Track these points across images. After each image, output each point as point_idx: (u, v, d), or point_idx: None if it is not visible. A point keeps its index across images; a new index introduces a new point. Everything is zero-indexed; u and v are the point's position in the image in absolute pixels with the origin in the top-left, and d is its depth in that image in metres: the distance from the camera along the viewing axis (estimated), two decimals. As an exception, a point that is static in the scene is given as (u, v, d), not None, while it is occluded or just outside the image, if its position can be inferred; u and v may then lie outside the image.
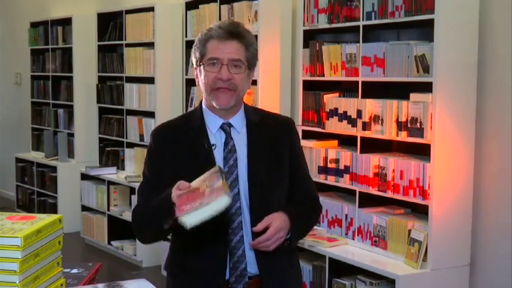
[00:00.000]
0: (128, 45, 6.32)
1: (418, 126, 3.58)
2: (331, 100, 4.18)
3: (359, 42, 3.97)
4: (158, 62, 5.95)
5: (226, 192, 1.90)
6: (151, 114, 6.06)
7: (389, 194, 3.79)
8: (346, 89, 4.16)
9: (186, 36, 5.69)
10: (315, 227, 3.97)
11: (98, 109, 6.82)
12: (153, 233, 2.21)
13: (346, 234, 4.11)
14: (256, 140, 2.21)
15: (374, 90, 3.93)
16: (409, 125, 3.64)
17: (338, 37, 4.43)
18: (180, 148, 2.18)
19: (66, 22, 7.34)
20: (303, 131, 4.37)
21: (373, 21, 3.88)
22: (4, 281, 1.63)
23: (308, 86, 4.40)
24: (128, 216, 6.01)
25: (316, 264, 4.09)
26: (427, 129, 3.54)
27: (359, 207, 4.01)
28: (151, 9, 6.00)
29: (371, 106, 3.87)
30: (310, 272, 4.13)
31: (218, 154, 2.17)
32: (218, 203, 1.90)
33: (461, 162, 3.65)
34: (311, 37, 4.42)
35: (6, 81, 9.18)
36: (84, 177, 6.75)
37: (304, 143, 4.20)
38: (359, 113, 3.93)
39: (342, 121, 4.08)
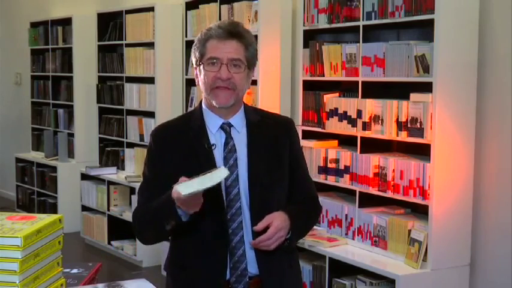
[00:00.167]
0: (128, 45, 6.32)
1: (418, 126, 3.58)
2: (331, 100, 4.18)
3: (359, 42, 3.97)
4: (158, 62, 5.95)
5: (224, 168, 1.97)
6: (151, 114, 6.06)
7: (389, 194, 3.79)
8: (346, 89, 4.16)
9: (186, 36, 5.70)
10: (315, 227, 3.98)
11: (98, 109, 6.82)
12: (155, 234, 2.21)
13: (346, 234, 4.11)
14: (256, 140, 2.21)
15: (374, 90, 3.93)
16: (409, 125, 3.64)
17: (338, 37, 4.43)
18: (180, 148, 2.18)
19: (66, 22, 7.34)
20: (303, 131, 4.37)
21: (373, 21, 3.88)
22: (4, 281, 1.63)
23: (308, 86, 4.40)
24: (128, 216, 6.01)
25: (316, 264, 4.09)
26: (427, 129, 3.54)
27: (359, 207, 4.01)
28: (151, 9, 6.00)
29: (371, 106, 3.87)
30: (310, 272, 4.13)
31: (218, 154, 2.17)
32: (217, 173, 1.94)
33: (461, 162, 3.65)
34: (311, 37, 4.42)
35: (6, 81, 9.18)
36: (84, 177, 6.75)
37: (304, 143, 4.20)
38: (359, 113, 3.93)
39: (342, 121, 4.08)
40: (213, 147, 2.17)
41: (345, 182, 4.09)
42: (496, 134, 3.70)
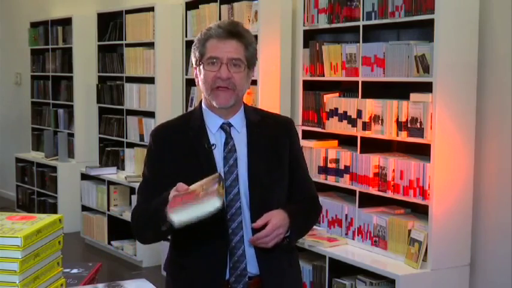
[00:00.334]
0: (128, 45, 6.33)
1: (418, 126, 3.58)
2: (331, 100, 4.18)
3: (359, 42, 3.97)
4: (158, 62, 5.95)
5: (218, 196, 1.88)
6: (151, 114, 6.06)
7: (389, 194, 3.79)
8: (346, 89, 4.16)
9: (186, 36, 5.70)
10: (314, 227, 3.98)
11: (98, 109, 6.82)
12: (152, 234, 2.20)
13: (346, 234, 4.11)
14: (256, 139, 2.21)
15: (374, 90, 3.93)
16: (409, 125, 3.64)
17: (338, 37, 4.43)
18: (180, 148, 2.18)
19: (66, 22, 7.34)
20: (303, 131, 4.37)
21: (373, 21, 3.88)
22: (4, 281, 1.63)
23: (308, 86, 4.40)
24: (128, 216, 6.00)
25: (316, 264, 4.09)
26: (427, 129, 3.54)
27: (359, 207, 4.01)
28: (151, 9, 6.00)
29: (371, 106, 3.87)
30: (310, 272, 4.13)
31: (218, 154, 2.17)
32: (207, 205, 1.88)
33: (461, 162, 3.65)
34: (311, 37, 4.42)
35: (6, 81, 9.18)
36: (84, 177, 6.75)
37: (304, 143, 4.20)
38: (359, 113, 3.93)
39: (342, 121, 4.08)
40: (213, 147, 2.17)
41: (345, 182, 4.09)
42: (496, 134, 3.70)
